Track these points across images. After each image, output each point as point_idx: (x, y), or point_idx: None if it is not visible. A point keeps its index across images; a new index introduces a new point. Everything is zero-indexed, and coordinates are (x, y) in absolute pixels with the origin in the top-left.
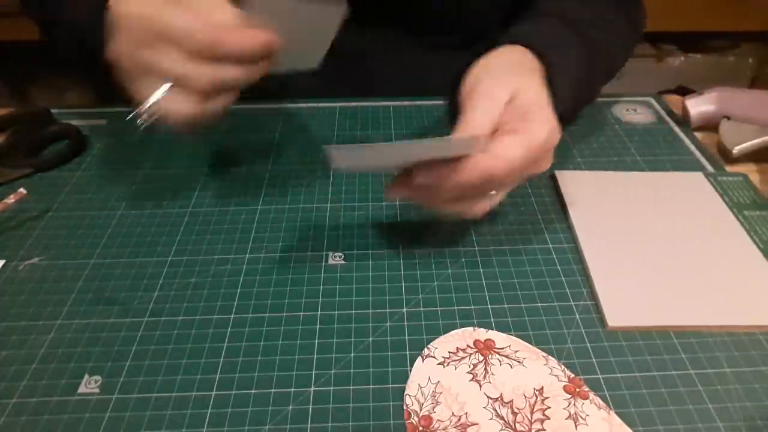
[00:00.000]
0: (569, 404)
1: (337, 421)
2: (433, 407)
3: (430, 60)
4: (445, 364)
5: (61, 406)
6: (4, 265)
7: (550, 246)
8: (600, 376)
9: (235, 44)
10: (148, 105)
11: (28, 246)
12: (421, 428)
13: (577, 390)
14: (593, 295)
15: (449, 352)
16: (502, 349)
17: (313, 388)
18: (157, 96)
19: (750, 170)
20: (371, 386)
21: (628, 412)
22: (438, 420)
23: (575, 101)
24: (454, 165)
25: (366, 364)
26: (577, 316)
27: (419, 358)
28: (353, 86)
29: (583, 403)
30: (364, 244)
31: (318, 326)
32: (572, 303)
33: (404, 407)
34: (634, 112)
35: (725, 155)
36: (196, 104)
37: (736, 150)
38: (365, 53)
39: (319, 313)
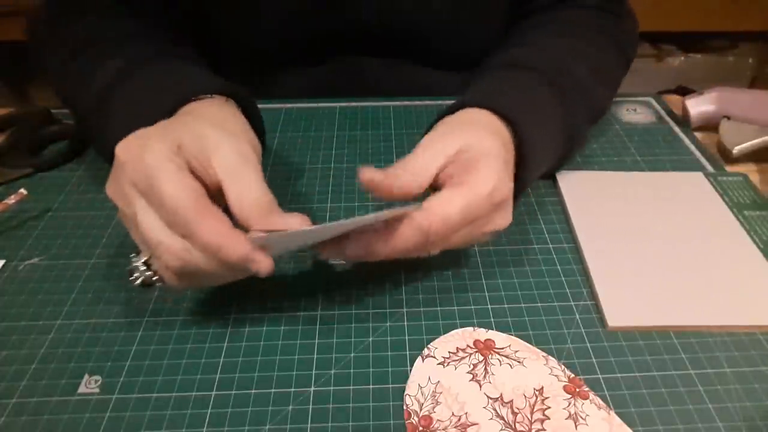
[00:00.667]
0: (569, 404)
1: (337, 421)
2: (433, 407)
3: (431, 77)
4: (445, 364)
5: (61, 406)
6: (4, 265)
7: (550, 246)
8: (600, 376)
9: (202, 239)
10: (136, 267)
11: (28, 246)
12: (421, 428)
13: (577, 390)
14: (593, 295)
15: (449, 352)
16: (502, 349)
17: (313, 388)
18: (141, 260)
19: (750, 170)
20: (371, 386)
21: (628, 412)
22: (438, 420)
23: (554, 159)
24: (385, 232)
25: (366, 364)
26: (577, 316)
27: (419, 358)
28: (352, 92)
29: (583, 403)
30: None
31: (318, 326)
32: (572, 303)
33: (404, 407)
34: (634, 112)
35: (725, 155)
36: (174, 278)
37: (736, 150)
38: (364, 71)
39: (319, 313)
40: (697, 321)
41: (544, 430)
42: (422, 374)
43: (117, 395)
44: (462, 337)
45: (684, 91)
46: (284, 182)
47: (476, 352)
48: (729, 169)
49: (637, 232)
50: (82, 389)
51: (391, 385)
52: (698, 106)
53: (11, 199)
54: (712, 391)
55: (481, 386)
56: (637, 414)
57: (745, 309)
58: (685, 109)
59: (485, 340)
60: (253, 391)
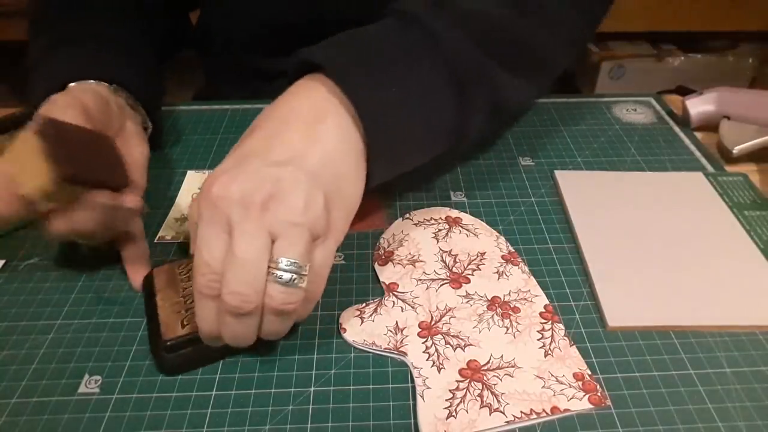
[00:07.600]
0: (501, 265)
1: (337, 421)
2: (398, 247)
3: None
4: (418, 225)
5: (61, 406)
6: (4, 265)
7: (550, 246)
8: (600, 376)
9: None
10: None
11: (28, 246)
12: (384, 257)
13: (512, 259)
14: (593, 295)
15: (425, 218)
16: (466, 225)
17: (313, 388)
18: None
19: (750, 170)
20: (371, 386)
21: (628, 412)
22: (397, 254)
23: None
24: None
25: (366, 364)
26: (577, 316)
27: (400, 218)
28: None
29: (512, 267)
30: (364, 243)
31: (318, 326)
32: (572, 303)
33: (377, 245)
34: (634, 112)
35: (725, 155)
36: None
37: (736, 150)
38: None
39: (319, 313)
40: (697, 321)
41: (473, 275)
42: (399, 228)
43: (117, 395)
44: (439, 212)
45: (684, 91)
46: None
47: (445, 222)
48: (729, 169)
49: (637, 232)
50: (82, 389)
51: (391, 385)
52: (698, 106)
53: None
54: (712, 391)
55: (438, 242)
56: (637, 414)
57: (745, 309)
58: (685, 109)
59: (455, 217)
60: (253, 391)
